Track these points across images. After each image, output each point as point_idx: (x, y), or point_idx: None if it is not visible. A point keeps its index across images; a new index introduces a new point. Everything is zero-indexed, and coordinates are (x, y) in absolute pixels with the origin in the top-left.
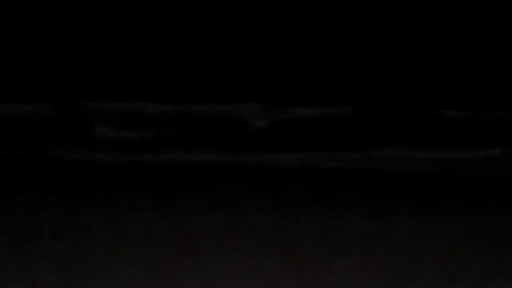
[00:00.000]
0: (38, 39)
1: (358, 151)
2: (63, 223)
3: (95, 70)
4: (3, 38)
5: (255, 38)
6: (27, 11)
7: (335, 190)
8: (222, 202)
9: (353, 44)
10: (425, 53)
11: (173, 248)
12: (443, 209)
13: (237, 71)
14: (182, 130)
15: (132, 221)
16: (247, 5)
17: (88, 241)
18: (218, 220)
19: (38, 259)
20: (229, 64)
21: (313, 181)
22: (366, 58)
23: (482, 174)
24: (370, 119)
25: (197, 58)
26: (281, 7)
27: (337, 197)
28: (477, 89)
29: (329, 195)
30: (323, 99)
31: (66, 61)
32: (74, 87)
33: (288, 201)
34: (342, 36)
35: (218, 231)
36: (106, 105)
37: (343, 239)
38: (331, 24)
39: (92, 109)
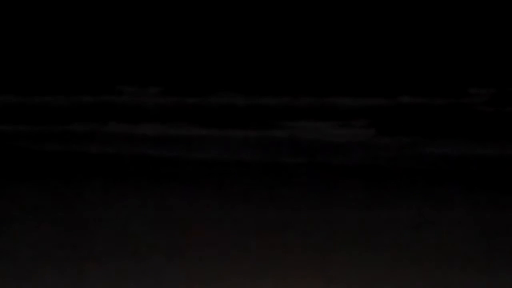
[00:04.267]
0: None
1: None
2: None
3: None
4: (17, 34)
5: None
6: (34, 9)
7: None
8: (237, 196)
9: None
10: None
11: None
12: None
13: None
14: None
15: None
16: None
17: None
18: (232, 212)
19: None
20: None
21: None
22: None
23: None
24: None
25: (217, 52)
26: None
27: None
28: None
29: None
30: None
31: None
32: (93, 81)
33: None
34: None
35: (221, 222)
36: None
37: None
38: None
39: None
